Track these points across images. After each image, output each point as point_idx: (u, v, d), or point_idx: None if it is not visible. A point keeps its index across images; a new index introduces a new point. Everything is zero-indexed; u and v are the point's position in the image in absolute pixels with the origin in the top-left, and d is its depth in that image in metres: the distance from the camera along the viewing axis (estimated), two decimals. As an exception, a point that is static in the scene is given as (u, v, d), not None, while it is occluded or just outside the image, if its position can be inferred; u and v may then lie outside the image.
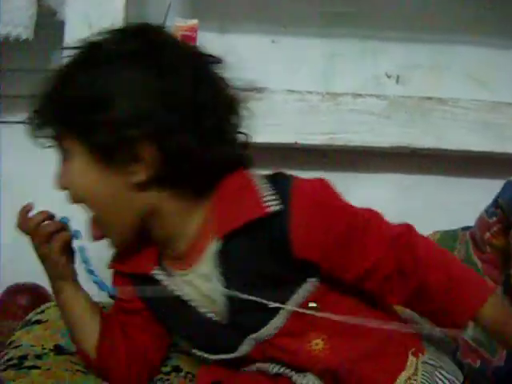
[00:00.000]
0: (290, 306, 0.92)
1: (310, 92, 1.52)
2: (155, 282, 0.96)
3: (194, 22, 1.64)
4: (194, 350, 1.02)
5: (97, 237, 0.95)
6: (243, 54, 1.77)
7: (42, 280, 1.04)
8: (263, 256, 0.91)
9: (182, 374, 1.12)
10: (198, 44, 1.62)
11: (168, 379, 1.10)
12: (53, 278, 1.00)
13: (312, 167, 1.60)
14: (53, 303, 1.21)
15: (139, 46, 0.90)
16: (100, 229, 0.94)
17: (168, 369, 1.12)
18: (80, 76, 0.89)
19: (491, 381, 1.16)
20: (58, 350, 1.11)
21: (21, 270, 1.57)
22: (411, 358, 0.96)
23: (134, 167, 0.88)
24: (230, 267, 0.92)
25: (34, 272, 1.05)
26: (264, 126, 1.50)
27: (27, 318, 1.23)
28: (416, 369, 0.95)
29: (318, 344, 0.94)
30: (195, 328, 0.98)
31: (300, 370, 0.95)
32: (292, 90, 1.54)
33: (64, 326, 1.07)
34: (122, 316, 1.03)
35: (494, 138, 1.58)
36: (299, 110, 1.53)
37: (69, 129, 0.89)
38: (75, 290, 1.00)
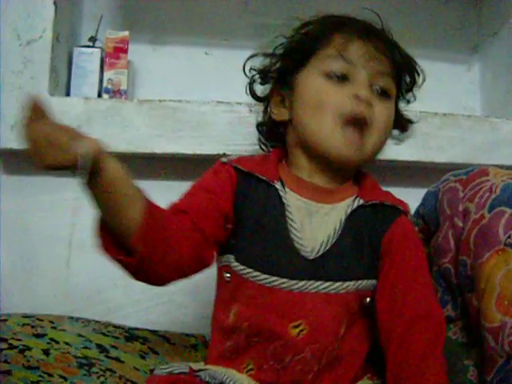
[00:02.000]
0: (364, 284, 1.03)
1: (239, 103, 1.53)
2: (272, 189, 1.06)
3: (125, 33, 1.65)
4: (248, 269, 1.02)
5: None
6: (176, 66, 1.79)
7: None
8: (377, 233, 1.05)
9: (117, 375, 1.17)
10: (129, 56, 1.65)
11: (103, 375, 1.16)
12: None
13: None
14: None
15: None
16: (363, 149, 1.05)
17: (103, 368, 1.17)
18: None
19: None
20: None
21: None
22: (366, 380, 1.05)
23: None
24: (352, 223, 1.04)
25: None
26: (192, 137, 1.51)
27: None
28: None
29: (304, 329, 1.00)
30: (272, 247, 1.02)
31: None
32: (221, 102, 1.55)
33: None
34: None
35: (419, 147, 1.62)
36: (228, 121, 1.55)
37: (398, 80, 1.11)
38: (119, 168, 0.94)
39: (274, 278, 0.99)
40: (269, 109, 1.16)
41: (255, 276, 1.00)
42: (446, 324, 1.14)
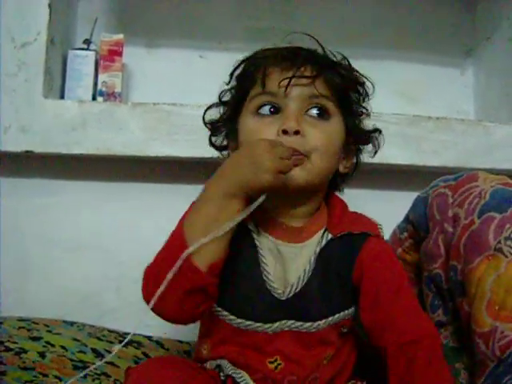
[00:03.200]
0: (336, 318, 1.04)
1: (234, 107, 1.54)
2: (245, 230, 1.03)
3: (120, 36, 1.66)
4: (223, 312, 1.02)
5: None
6: (171, 69, 1.79)
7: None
8: (347, 264, 1.03)
9: (112, 379, 1.18)
10: (124, 59, 1.65)
11: (98, 378, 1.17)
12: (243, 189, 0.93)
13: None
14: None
15: None
16: (308, 176, 1.01)
17: (98, 372, 1.18)
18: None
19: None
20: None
21: None
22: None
23: None
24: (322, 260, 1.03)
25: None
26: (187, 140, 1.52)
27: None
28: None
29: (280, 363, 1.02)
30: (246, 289, 1.02)
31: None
32: (215, 105, 1.56)
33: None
34: None
35: (412, 151, 1.63)
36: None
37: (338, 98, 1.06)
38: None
39: (249, 322, 1.00)
40: (230, 151, 1.15)
41: (231, 319, 1.01)
42: (437, 328, 1.14)
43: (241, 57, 1.18)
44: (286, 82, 1.00)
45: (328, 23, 1.84)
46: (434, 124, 1.65)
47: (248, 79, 1.05)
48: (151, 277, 0.95)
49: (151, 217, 1.65)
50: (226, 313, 1.01)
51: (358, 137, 1.12)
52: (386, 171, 1.67)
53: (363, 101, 1.13)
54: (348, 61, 1.11)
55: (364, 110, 1.14)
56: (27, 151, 1.52)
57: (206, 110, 1.16)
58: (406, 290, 1.05)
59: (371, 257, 1.03)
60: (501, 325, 1.00)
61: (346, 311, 1.04)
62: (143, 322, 1.56)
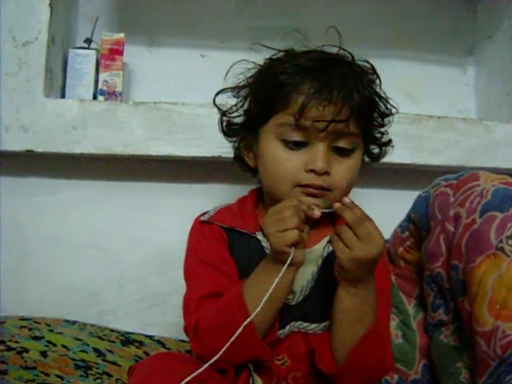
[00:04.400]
0: None
1: (235, 106, 1.54)
2: (255, 240, 1.10)
3: (121, 35, 1.65)
4: None
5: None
6: (172, 68, 1.79)
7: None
8: None
9: (113, 378, 1.20)
10: (124, 57, 1.65)
11: (100, 377, 1.18)
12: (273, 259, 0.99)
13: (236, 181, 1.63)
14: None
15: None
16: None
17: (100, 371, 1.20)
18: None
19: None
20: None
21: None
22: None
23: None
24: (329, 264, 1.05)
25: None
26: (188, 139, 1.51)
27: None
28: None
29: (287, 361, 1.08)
30: None
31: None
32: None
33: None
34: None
35: (414, 150, 1.62)
36: (224, 124, 1.55)
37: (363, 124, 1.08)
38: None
39: None
40: (239, 148, 1.18)
41: None
42: (438, 327, 1.15)
43: (242, 56, 1.18)
44: (323, 116, 1.01)
45: (329, 22, 1.82)
46: (435, 123, 1.65)
47: (279, 99, 1.05)
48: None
49: (152, 216, 1.65)
50: None
51: (371, 157, 1.18)
52: (388, 170, 1.66)
53: (382, 124, 1.15)
54: (374, 70, 1.14)
55: (384, 131, 1.16)
56: (28, 150, 1.52)
57: (217, 93, 1.19)
58: (385, 300, 1.09)
59: None
60: (502, 324, 1.00)
61: None
62: (144, 321, 1.59)
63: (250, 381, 1.03)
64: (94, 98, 1.64)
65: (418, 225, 1.21)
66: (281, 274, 0.95)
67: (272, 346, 1.04)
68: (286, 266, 0.95)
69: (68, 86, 1.64)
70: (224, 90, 1.18)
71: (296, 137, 1.03)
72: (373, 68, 1.13)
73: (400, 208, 1.30)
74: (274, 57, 1.12)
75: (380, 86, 1.13)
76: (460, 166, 1.54)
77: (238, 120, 1.17)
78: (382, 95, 1.12)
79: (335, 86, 1.02)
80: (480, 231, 1.05)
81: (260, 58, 1.18)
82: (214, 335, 0.98)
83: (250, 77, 1.14)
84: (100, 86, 1.64)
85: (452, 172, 1.20)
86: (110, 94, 1.64)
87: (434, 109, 1.76)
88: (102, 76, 1.65)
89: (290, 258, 0.95)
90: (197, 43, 1.82)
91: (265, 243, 1.08)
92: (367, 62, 1.13)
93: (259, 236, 1.09)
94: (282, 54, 1.12)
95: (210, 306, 1.02)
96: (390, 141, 1.17)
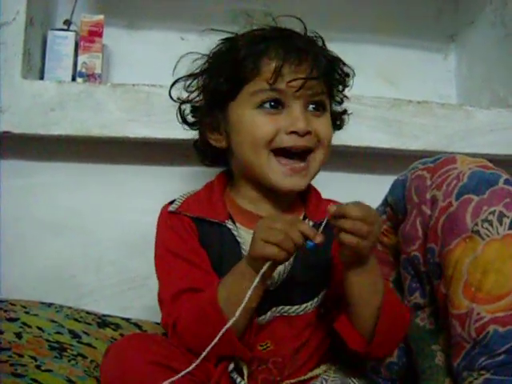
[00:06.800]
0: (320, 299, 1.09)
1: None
2: (225, 229, 1.09)
3: (100, 17, 1.64)
4: None
5: None
6: (151, 51, 1.78)
7: None
8: (326, 247, 1.04)
9: (88, 360, 1.20)
10: (104, 40, 1.64)
11: (75, 359, 1.18)
12: (250, 263, 0.97)
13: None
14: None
15: None
16: (306, 183, 1.09)
17: (74, 353, 1.20)
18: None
19: (384, 376, 1.21)
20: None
21: None
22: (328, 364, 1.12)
23: None
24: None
25: None
26: (166, 121, 1.51)
27: None
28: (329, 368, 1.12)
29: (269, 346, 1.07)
30: None
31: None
32: (194, 87, 1.55)
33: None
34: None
35: (393, 134, 1.62)
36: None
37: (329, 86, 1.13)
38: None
39: None
40: (204, 133, 1.16)
41: None
42: (414, 311, 1.15)
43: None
44: (298, 82, 1.04)
45: (309, 6, 1.82)
46: (414, 108, 1.65)
47: (248, 69, 1.06)
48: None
49: (130, 198, 1.65)
50: None
51: (335, 121, 1.19)
52: (366, 154, 1.66)
53: (345, 85, 1.18)
54: (324, 42, 1.16)
55: (344, 96, 1.21)
56: (5, 132, 1.51)
57: (173, 84, 1.20)
58: None
59: None
60: (477, 307, 1.00)
61: (326, 289, 1.09)
62: (122, 303, 1.58)
63: (230, 366, 1.02)
64: (73, 79, 1.63)
65: (394, 208, 1.21)
66: (253, 285, 0.93)
67: (255, 332, 1.04)
68: (257, 280, 0.93)
69: (47, 68, 1.63)
70: (179, 79, 1.19)
71: (272, 99, 1.05)
72: (323, 41, 1.16)
73: (379, 192, 1.29)
74: (229, 36, 1.16)
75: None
76: (439, 151, 1.53)
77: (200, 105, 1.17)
78: (340, 58, 1.16)
79: (301, 49, 1.06)
80: (456, 214, 1.04)
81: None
82: (192, 335, 0.98)
83: (205, 62, 1.16)
84: (79, 68, 1.63)
85: (430, 157, 1.20)
86: (89, 76, 1.63)
87: (414, 94, 1.76)
88: (81, 58, 1.64)
89: (261, 272, 0.93)
90: (177, 26, 1.81)
91: (235, 231, 1.07)
92: (317, 34, 1.16)
93: (229, 225, 1.08)
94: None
95: (187, 305, 1.00)
96: (345, 111, 1.21)
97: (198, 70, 1.16)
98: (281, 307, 1.06)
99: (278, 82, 1.04)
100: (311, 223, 1.08)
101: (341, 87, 1.18)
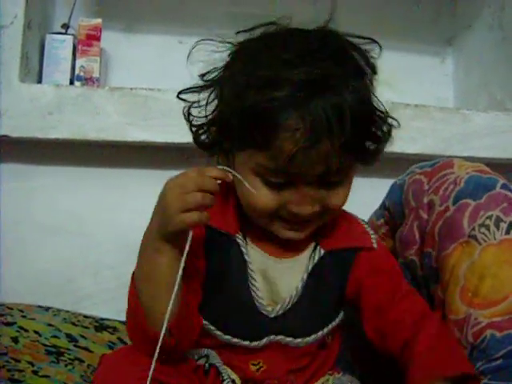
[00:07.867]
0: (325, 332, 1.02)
1: (212, 92, 1.53)
2: (233, 243, 0.98)
3: (98, 21, 1.64)
4: (210, 326, 0.98)
5: None
6: (149, 54, 1.78)
7: None
8: (340, 280, 1.01)
9: (85, 364, 1.20)
10: (102, 43, 1.64)
11: (71, 363, 1.18)
12: (167, 238, 0.85)
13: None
14: None
15: None
16: (312, 229, 0.96)
17: (71, 357, 1.19)
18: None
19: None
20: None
21: None
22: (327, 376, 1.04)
23: None
24: (314, 276, 0.99)
25: None
26: (164, 125, 1.51)
27: None
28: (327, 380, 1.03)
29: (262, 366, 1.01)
30: (233, 305, 0.98)
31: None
32: (193, 91, 1.55)
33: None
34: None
35: (390, 137, 1.61)
36: (199, 110, 1.54)
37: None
38: (175, 259, 0.86)
39: (236, 340, 0.97)
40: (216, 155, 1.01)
41: (217, 334, 0.98)
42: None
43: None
44: (312, 160, 0.85)
45: (309, 9, 1.83)
46: (412, 111, 1.65)
47: (253, 135, 0.86)
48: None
49: (128, 202, 1.65)
50: (212, 327, 0.98)
51: (364, 162, 0.98)
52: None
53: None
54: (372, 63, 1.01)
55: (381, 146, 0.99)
56: (3, 135, 1.51)
57: (180, 92, 1.03)
58: (402, 289, 1.04)
59: (366, 272, 1.01)
60: (474, 311, 1.00)
61: (334, 322, 1.03)
62: (120, 308, 1.58)
63: (220, 377, 0.97)
64: (71, 83, 1.63)
65: (392, 212, 1.21)
66: (182, 264, 0.83)
67: (245, 351, 0.99)
68: (185, 255, 0.83)
69: (45, 72, 1.64)
70: (186, 90, 1.03)
71: (278, 179, 0.89)
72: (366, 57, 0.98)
73: (377, 196, 1.29)
74: (242, 45, 0.98)
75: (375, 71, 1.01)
76: (436, 155, 1.53)
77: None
78: (381, 109, 0.99)
79: (324, 128, 0.83)
80: (453, 219, 1.04)
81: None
82: (129, 331, 0.96)
83: (219, 72, 0.99)
84: (77, 71, 1.64)
85: (428, 161, 1.20)
86: (87, 80, 1.63)
87: (412, 97, 1.76)
88: (79, 62, 1.64)
89: (187, 245, 0.83)
90: (175, 30, 1.82)
91: (244, 248, 0.97)
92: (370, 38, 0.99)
93: (239, 239, 0.98)
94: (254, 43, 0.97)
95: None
96: (378, 150, 0.98)
97: (210, 79, 1.00)
98: (280, 337, 0.99)
99: (289, 166, 0.85)
100: (322, 251, 0.99)
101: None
